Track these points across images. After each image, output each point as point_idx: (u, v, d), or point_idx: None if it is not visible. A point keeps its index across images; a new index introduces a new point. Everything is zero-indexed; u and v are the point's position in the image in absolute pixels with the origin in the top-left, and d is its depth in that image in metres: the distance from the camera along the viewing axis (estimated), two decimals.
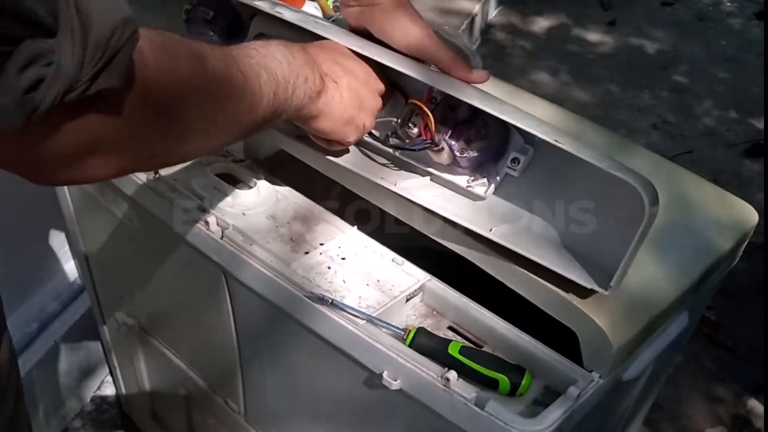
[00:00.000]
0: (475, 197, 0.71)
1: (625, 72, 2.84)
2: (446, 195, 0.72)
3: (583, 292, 0.65)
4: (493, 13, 3.16)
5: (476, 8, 2.87)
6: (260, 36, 0.78)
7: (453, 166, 0.71)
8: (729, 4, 3.39)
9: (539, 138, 0.63)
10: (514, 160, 0.69)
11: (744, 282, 1.86)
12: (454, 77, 0.69)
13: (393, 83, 0.73)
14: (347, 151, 0.75)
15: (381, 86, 0.72)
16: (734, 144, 2.47)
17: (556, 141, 0.61)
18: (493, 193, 0.71)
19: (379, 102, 0.72)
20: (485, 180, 0.70)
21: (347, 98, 0.67)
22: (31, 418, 1.36)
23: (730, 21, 3.27)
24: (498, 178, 0.70)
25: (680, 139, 2.49)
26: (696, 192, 0.82)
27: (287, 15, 0.72)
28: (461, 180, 0.71)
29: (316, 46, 0.69)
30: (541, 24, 3.14)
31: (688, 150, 2.42)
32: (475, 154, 0.68)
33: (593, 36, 3.08)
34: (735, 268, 0.84)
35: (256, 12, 0.77)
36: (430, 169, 0.72)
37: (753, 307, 1.80)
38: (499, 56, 2.89)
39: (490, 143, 0.68)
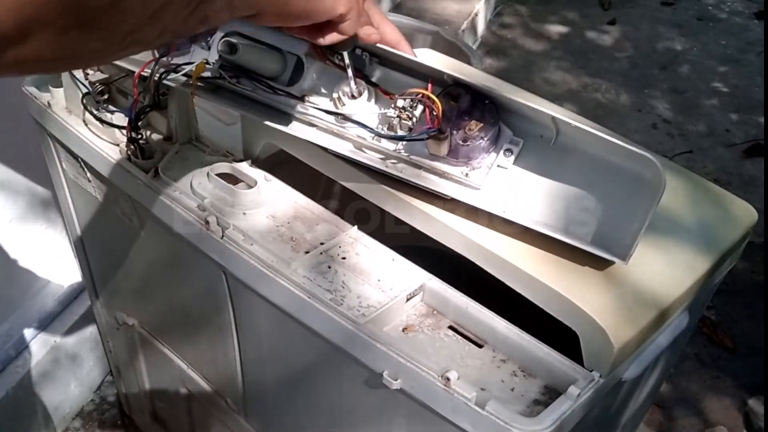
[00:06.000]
0: (472, 187, 0.71)
1: (625, 72, 2.84)
2: (444, 184, 0.73)
3: (582, 286, 0.66)
4: (494, 12, 3.16)
5: (477, 8, 2.87)
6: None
7: (448, 158, 0.71)
8: (729, 4, 3.39)
9: (560, 120, 0.66)
10: (507, 151, 0.70)
11: (744, 282, 1.86)
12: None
13: (366, 77, 0.72)
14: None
15: None
16: (734, 144, 2.48)
17: (576, 124, 0.65)
18: (490, 184, 0.71)
19: None
20: (480, 171, 0.71)
21: None
22: (30, 418, 1.37)
23: (730, 21, 3.27)
24: (491, 168, 0.71)
25: (680, 139, 2.50)
26: (696, 192, 0.82)
27: None
28: (456, 171, 0.71)
29: None
30: (542, 24, 3.15)
31: (688, 150, 2.42)
32: (477, 142, 0.69)
33: (593, 36, 3.08)
34: (735, 268, 0.84)
35: None
36: (426, 161, 0.72)
37: (753, 307, 1.81)
38: (499, 56, 2.89)
39: (487, 133, 0.69)
